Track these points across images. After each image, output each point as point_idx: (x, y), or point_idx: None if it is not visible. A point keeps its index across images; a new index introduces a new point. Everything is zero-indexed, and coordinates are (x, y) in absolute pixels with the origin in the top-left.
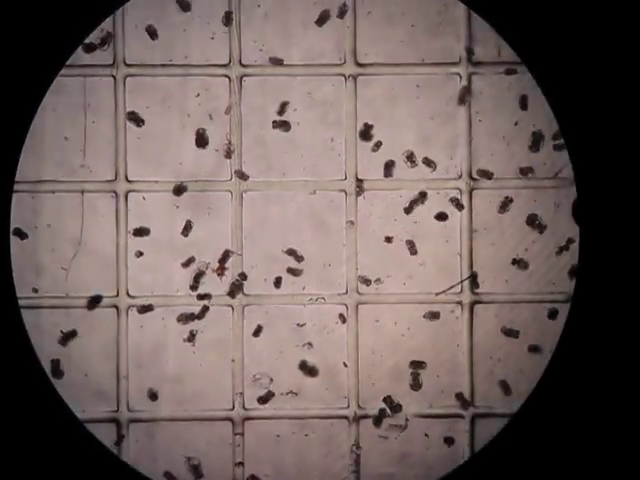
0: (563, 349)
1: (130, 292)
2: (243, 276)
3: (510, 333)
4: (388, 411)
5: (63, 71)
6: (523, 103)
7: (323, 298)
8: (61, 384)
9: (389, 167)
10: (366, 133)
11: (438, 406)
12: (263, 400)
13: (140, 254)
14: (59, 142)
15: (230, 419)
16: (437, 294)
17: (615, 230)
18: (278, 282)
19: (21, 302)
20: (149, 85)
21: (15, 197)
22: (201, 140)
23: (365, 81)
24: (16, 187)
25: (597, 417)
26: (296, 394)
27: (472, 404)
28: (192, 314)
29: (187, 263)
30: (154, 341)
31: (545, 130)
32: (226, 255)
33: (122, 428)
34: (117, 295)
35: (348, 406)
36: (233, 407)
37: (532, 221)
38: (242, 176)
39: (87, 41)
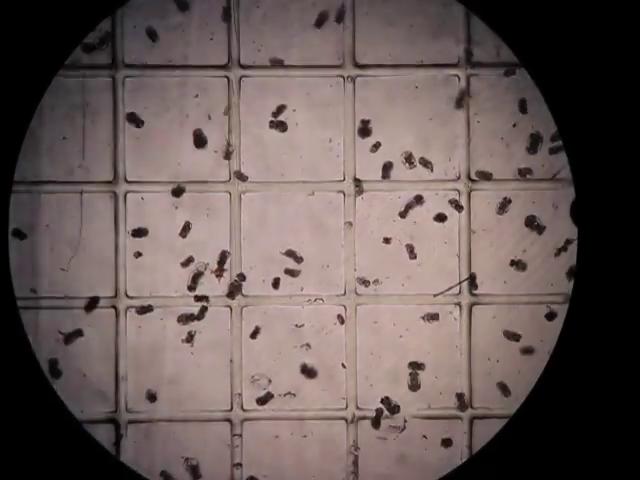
0: (561, 350)
1: (128, 293)
2: (242, 277)
3: (512, 336)
4: (386, 412)
5: (62, 71)
6: (522, 107)
7: (321, 299)
8: (60, 385)
9: (387, 169)
10: (364, 130)
11: (436, 407)
12: (261, 401)
13: (139, 255)
14: (58, 142)
15: (228, 420)
16: (435, 295)
17: (613, 231)
18: (276, 283)
19: (20, 302)
20: (148, 86)
21: (14, 197)
22: (199, 141)
23: (364, 82)
24: (15, 187)
25: (595, 418)
26: (294, 395)
27: (470, 405)
28: (192, 314)
29: (186, 264)
30: (152, 342)
31: (543, 132)
32: (224, 257)
33: (121, 429)
34: (116, 296)
35: (346, 407)
36: (231, 408)
37: (531, 222)
38: (241, 177)
39: (86, 41)
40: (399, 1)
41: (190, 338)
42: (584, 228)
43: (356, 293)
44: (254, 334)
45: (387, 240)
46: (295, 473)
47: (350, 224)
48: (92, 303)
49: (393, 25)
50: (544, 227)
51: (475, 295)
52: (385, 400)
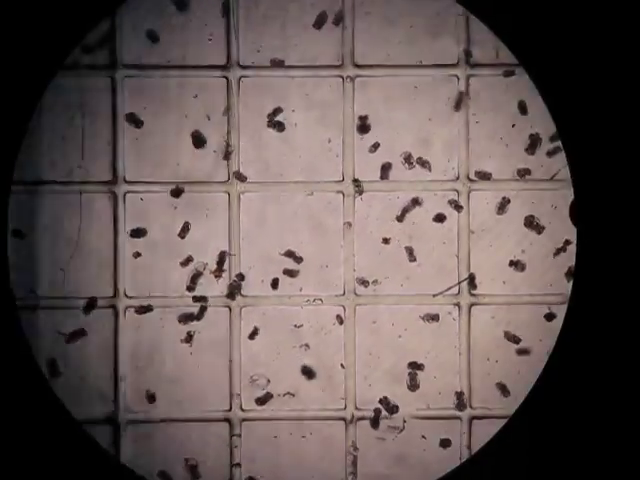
0: (560, 350)
1: (128, 293)
2: (241, 277)
3: (511, 337)
4: (384, 412)
5: (61, 71)
6: (522, 108)
7: (320, 299)
8: (59, 385)
9: (386, 169)
10: (363, 126)
11: (435, 407)
12: (260, 401)
13: (138, 255)
14: (57, 143)
15: (228, 420)
16: (435, 295)
17: (612, 232)
18: (275, 283)
19: (19, 303)
20: (147, 86)
21: (13, 198)
22: (198, 141)
23: (363, 82)
24: (14, 188)
25: (594, 418)
26: (293, 395)
27: (470, 405)
28: (191, 314)
29: (185, 264)
30: (151, 342)
31: (542, 132)
32: (222, 258)
33: (119, 429)
34: (115, 296)
35: (345, 407)
36: (230, 408)
37: (530, 222)
38: (240, 177)
39: (85, 42)
40: (399, 1)
41: (189, 338)
42: (583, 228)
43: (355, 293)
44: (253, 334)
45: (386, 240)
46: (294, 473)
47: (349, 224)
48: (89, 307)
49: (392, 25)
50: (543, 227)
51: (474, 295)
52: (384, 400)
